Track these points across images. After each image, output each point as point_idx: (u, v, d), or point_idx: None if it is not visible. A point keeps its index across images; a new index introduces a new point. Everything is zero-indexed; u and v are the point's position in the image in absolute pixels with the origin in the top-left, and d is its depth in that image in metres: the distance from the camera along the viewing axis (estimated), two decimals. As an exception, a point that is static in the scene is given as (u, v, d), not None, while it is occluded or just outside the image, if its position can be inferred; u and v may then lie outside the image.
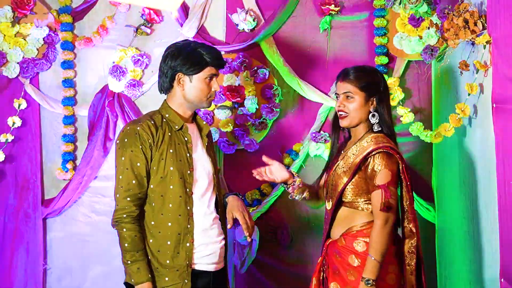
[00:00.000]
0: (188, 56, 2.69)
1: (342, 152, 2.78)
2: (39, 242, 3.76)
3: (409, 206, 2.65)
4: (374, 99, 2.68)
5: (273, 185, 3.76)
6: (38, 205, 3.77)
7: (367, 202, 2.65)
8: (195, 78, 2.71)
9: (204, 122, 2.85)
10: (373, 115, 2.68)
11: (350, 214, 2.69)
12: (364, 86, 2.68)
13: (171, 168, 2.65)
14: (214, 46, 2.95)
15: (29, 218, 3.76)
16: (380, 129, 2.69)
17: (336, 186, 2.70)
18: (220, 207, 2.83)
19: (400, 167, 2.61)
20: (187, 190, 2.67)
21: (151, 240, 2.66)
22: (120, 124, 3.77)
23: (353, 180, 2.66)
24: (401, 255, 2.67)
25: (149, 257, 2.65)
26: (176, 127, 2.71)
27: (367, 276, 2.53)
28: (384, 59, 3.67)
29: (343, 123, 2.73)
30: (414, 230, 2.65)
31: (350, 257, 2.62)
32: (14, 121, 3.73)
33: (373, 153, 2.60)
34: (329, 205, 2.74)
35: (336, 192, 2.68)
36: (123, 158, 2.64)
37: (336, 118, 2.80)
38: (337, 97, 2.76)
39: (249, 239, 2.80)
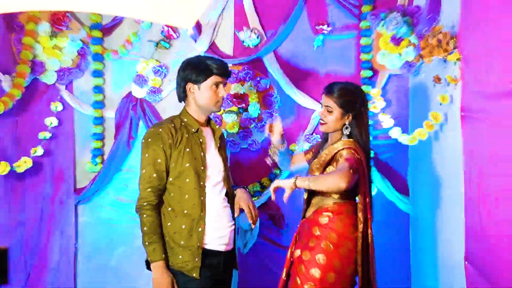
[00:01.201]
0: (195, 67, 2.70)
1: (320, 151, 2.85)
2: (72, 225, 3.79)
3: (361, 198, 2.67)
4: (350, 115, 2.73)
5: (271, 179, 3.77)
6: (71, 193, 3.78)
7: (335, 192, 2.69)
8: (202, 86, 2.70)
9: (218, 126, 2.85)
10: (346, 128, 2.74)
11: (321, 199, 2.73)
12: (342, 104, 2.72)
13: (187, 165, 2.65)
14: (222, 59, 2.95)
15: (63, 205, 3.77)
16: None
17: None
18: (231, 198, 2.84)
19: (361, 158, 2.64)
20: (201, 183, 2.68)
21: (169, 224, 2.67)
22: (142, 125, 3.78)
23: (323, 173, 2.70)
24: (356, 238, 2.65)
25: (167, 238, 2.67)
26: (193, 130, 2.72)
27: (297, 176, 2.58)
28: (368, 73, 3.68)
29: (321, 128, 2.81)
30: (362, 218, 2.64)
31: (314, 228, 2.68)
32: (52, 121, 3.73)
33: (340, 150, 2.68)
34: (305, 195, 2.81)
35: None
36: (146, 155, 2.65)
37: None
38: (322, 106, 2.81)
39: (253, 226, 2.82)
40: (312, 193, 2.78)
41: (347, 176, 2.50)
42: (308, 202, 2.81)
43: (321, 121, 2.79)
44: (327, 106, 2.74)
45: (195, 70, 2.69)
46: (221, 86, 2.73)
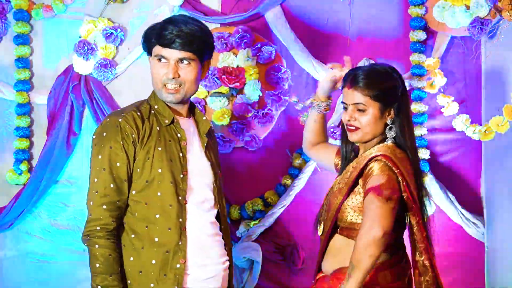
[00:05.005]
0: (144, 34, 2.77)
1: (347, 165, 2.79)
2: (-15, 263, 3.77)
3: (419, 234, 2.62)
4: (392, 108, 2.67)
5: (279, 193, 3.76)
6: (-17, 216, 3.75)
7: None
8: (150, 61, 2.78)
9: (204, 118, 2.85)
10: (390, 128, 2.67)
11: (345, 246, 2.63)
12: (378, 95, 2.64)
13: (160, 170, 2.65)
14: (198, 18, 2.93)
15: (-29, 233, 3.76)
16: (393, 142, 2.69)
17: (330, 206, 2.68)
18: (223, 223, 2.83)
19: (401, 185, 2.58)
20: (180, 198, 2.67)
21: (131, 258, 2.66)
22: (88, 115, 3.77)
23: (350, 198, 2.64)
24: None
25: (129, 281, 2.66)
26: (166, 121, 2.73)
27: None
28: (421, 35, 3.66)
29: (352, 137, 2.71)
30: (428, 264, 2.61)
31: None
32: (-49, 109, 3.74)
33: (371, 160, 2.60)
34: (320, 231, 2.74)
35: (330, 214, 2.67)
36: (100, 157, 2.63)
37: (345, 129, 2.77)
38: (344, 106, 2.73)
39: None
40: (334, 230, 2.67)
41: (380, 226, 2.43)
42: (325, 244, 2.71)
43: (350, 127, 2.70)
44: (356, 104, 2.66)
45: (144, 37, 2.78)
46: (164, 61, 2.70)
